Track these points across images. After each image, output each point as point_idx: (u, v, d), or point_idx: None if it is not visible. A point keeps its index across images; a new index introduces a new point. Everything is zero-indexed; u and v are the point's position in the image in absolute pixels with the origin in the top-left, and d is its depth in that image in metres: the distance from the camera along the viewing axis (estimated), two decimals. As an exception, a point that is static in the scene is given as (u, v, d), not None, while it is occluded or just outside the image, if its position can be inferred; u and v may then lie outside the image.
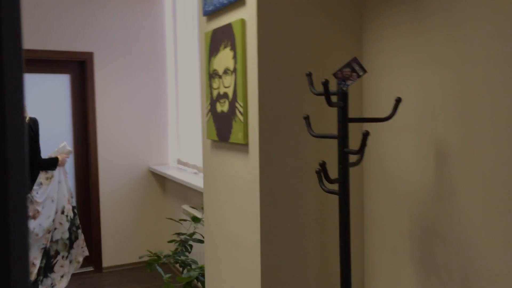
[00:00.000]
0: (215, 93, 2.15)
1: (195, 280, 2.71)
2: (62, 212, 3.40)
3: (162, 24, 4.77)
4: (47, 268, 3.34)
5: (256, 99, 1.83)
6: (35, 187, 3.27)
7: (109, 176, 4.64)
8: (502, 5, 1.40)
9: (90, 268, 4.67)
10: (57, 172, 3.44)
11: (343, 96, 1.57)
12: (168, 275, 2.89)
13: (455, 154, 1.58)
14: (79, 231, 3.57)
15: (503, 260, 1.44)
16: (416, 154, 1.73)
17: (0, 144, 0.52)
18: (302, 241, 1.94)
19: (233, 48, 1.94)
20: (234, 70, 1.95)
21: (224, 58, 2.03)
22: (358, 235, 2.03)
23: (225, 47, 2.02)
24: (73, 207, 3.54)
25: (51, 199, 3.34)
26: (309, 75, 1.70)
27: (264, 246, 1.87)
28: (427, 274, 1.72)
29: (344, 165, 1.61)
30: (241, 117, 1.93)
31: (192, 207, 3.85)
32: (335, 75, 1.54)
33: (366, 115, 1.95)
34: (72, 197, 3.56)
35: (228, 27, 1.96)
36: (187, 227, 3.40)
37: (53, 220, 3.33)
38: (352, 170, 1.95)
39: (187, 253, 3.11)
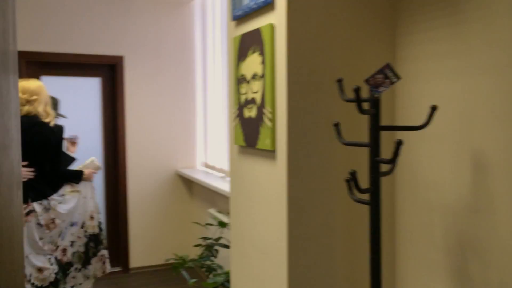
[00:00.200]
0: (242, 98, 2.13)
1: (220, 286, 2.69)
2: (82, 227, 3.26)
3: (192, 29, 4.79)
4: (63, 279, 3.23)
5: (284, 105, 1.80)
6: (57, 197, 3.14)
7: (137, 178, 4.69)
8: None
9: (118, 269, 4.71)
10: (83, 187, 3.29)
11: (375, 103, 1.52)
12: (193, 280, 2.88)
13: (494, 164, 1.50)
14: (101, 247, 3.37)
15: (546, 278, 1.36)
16: (452, 164, 1.66)
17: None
18: (330, 251, 1.89)
19: (262, 53, 1.91)
20: (263, 75, 1.92)
21: (253, 63, 2.01)
22: (389, 246, 1.97)
23: (253, 52, 1.99)
24: (99, 223, 3.37)
25: (71, 213, 3.20)
26: (339, 81, 1.65)
27: (291, 255, 1.83)
28: (461, 289, 1.64)
29: (375, 175, 1.56)
30: (269, 123, 1.90)
31: (219, 212, 3.83)
32: (367, 81, 1.49)
33: (399, 123, 1.89)
34: (98, 213, 3.39)
35: (257, 32, 1.94)
36: (213, 232, 3.39)
37: (64, 235, 3.17)
38: (384, 180, 1.89)
39: (212, 258, 3.09)
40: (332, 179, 1.86)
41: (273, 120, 1.88)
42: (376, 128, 1.53)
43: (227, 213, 3.61)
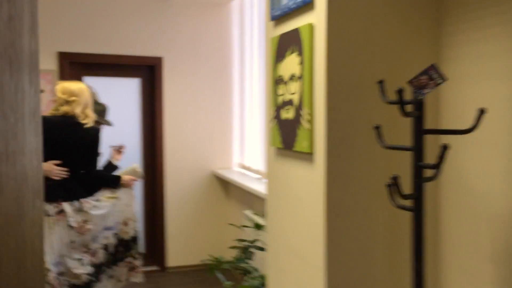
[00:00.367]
0: (280, 99, 2.09)
1: (256, 289, 2.67)
2: (116, 232, 3.23)
3: (229, 29, 4.80)
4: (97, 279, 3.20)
5: (323, 106, 1.75)
6: (91, 201, 3.09)
7: (174, 177, 4.73)
8: None
9: (154, 267, 4.78)
10: (123, 193, 3.23)
11: (419, 105, 1.45)
12: (228, 282, 2.87)
13: (548, 172, 1.41)
14: (128, 254, 3.29)
15: None
16: (503, 171, 1.57)
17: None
18: (370, 258, 1.82)
19: (300, 54, 1.87)
20: (301, 76, 1.88)
21: (290, 64, 1.97)
22: (433, 255, 1.88)
23: (291, 52, 1.95)
24: (135, 232, 3.30)
25: (104, 218, 3.14)
26: (381, 82, 1.59)
27: (328, 261, 1.78)
28: (511, 303, 1.55)
29: (418, 180, 1.49)
30: (306, 125, 1.86)
31: (255, 213, 3.81)
32: (410, 82, 1.42)
33: (443, 126, 1.80)
34: (135, 221, 3.31)
35: (296, 32, 1.90)
36: (249, 234, 3.37)
37: (97, 239, 3.13)
38: (427, 186, 1.81)
39: (248, 260, 3.07)
40: (372, 184, 1.80)
41: (311, 122, 1.83)
42: (420, 131, 1.46)
43: (263, 215, 3.58)
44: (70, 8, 4.33)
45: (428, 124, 1.76)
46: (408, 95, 1.54)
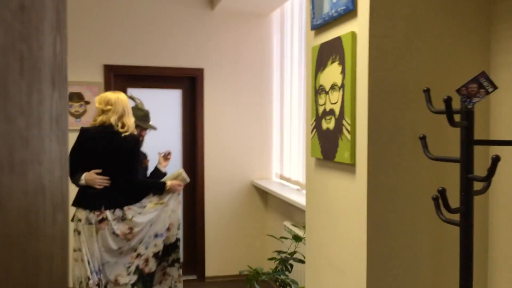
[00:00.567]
0: (321, 109, 2.06)
1: (294, 302, 2.62)
2: (164, 240, 3.23)
3: (270, 40, 4.81)
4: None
5: (365, 116, 1.71)
6: (136, 208, 3.10)
7: (214, 187, 4.76)
8: None
9: (194, 277, 4.80)
10: (170, 200, 3.23)
11: (468, 115, 1.39)
12: (267, 294, 2.83)
13: None
14: (164, 258, 3.27)
15: None
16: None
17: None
18: (415, 274, 1.75)
19: (342, 63, 1.84)
20: (342, 86, 1.85)
21: (332, 73, 1.94)
22: (481, 272, 1.79)
23: (333, 61, 1.92)
24: (176, 239, 3.30)
25: (151, 224, 3.15)
26: (426, 91, 1.54)
27: (370, 276, 1.72)
28: None
29: (467, 193, 1.42)
30: (348, 135, 1.81)
31: (294, 225, 3.77)
32: (459, 91, 1.37)
33: (494, 137, 1.72)
34: (178, 228, 3.30)
35: (337, 41, 1.87)
36: (288, 245, 3.33)
37: (148, 245, 3.14)
38: (476, 199, 1.72)
39: (287, 273, 3.03)
40: (418, 197, 1.73)
41: (352, 132, 1.79)
42: (469, 142, 1.39)
43: (302, 226, 3.53)
44: (115, 22, 4.48)
45: (477, 135, 1.68)
46: (456, 104, 1.48)
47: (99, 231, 2.99)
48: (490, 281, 1.79)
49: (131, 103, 3.37)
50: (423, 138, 1.54)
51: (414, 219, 1.74)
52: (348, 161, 1.82)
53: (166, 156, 3.50)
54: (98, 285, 3.02)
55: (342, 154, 1.86)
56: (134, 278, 3.10)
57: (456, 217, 1.48)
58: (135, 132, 3.14)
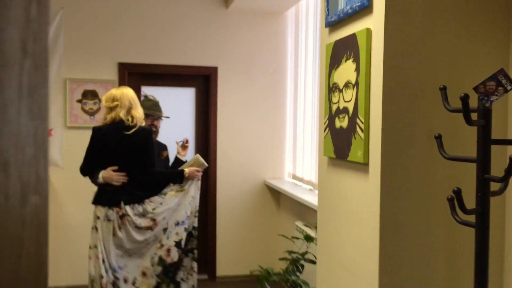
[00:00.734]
0: (334, 107, 2.04)
1: (305, 302, 2.59)
2: (186, 228, 3.21)
3: (284, 39, 4.79)
4: (170, 277, 3.16)
5: (379, 114, 1.68)
6: (157, 198, 3.12)
7: (226, 186, 4.75)
8: None
9: (205, 276, 4.79)
10: (190, 186, 3.22)
11: (486, 113, 1.35)
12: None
13: None
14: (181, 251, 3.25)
15: None
16: None
17: None
18: (428, 277, 1.71)
19: (356, 60, 1.81)
20: (356, 83, 1.82)
21: (346, 71, 1.91)
22: (497, 275, 1.74)
23: (347, 59, 1.89)
24: (193, 227, 3.28)
25: (172, 212, 3.16)
26: (443, 89, 1.50)
27: (382, 278, 1.69)
28: None
29: (484, 194, 1.38)
30: (361, 134, 1.78)
31: (306, 225, 3.74)
32: (476, 89, 1.33)
33: (512, 136, 1.67)
34: (194, 216, 3.28)
35: (352, 38, 1.84)
36: (300, 246, 3.30)
37: (169, 234, 3.15)
38: (492, 200, 1.68)
39: (298, 273, 3.00)
40: (432, 197, 1.69)
41: (366, 130, 1.76)
42: (486, 141, 1.36)
43: (314, 227, 3.50)
44: (130, 21, 4.50)
45: (495, 134, 1.64)
46: (473, 103, 1.44)
47: (122, 226, 3.01)
48: (505, 283, 1.74)
49: (143, 97, 3.39)
50: (438, 137, 1.51)
51: (428, 220, 1.70)
52: (361, 160, 1.79)
53: (184, 144, 3.51)
54: (113, 283, 3.01)
55: (355, 153, 1.83)
56: (158, 269, 3.11)
57: (472, 218, 1.44)
58: (143, 124, 3.14)
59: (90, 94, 4.44)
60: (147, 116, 3.29)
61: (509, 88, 1.32)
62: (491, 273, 1.71)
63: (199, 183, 3.33)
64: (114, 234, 3.00)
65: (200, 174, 3.30)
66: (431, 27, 1.67)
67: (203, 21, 4.63)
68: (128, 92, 3.13)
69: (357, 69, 1.80)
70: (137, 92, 4.50)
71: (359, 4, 1.77)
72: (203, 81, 4.79)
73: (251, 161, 4.79)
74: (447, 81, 1.65)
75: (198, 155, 3.38)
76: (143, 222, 3.05)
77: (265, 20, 4.74)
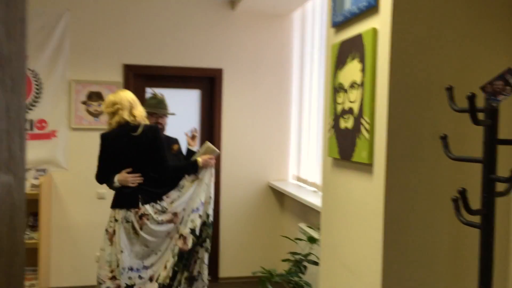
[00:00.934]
0: (339, 108, 2.03)
1: (308, 304, 2.58)
2: (200, 215, 3.22)
3: (290, 40, 4.79)
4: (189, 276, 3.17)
5: (385, 115, 1.67)
6: (174, 192, 3.15)
7: (230, 187, 4.74)
8: None
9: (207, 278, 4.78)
10: (204, 174, 3.25)
11: (493, 113, 1.34)
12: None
13: None
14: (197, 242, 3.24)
15: None
16: None
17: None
18: (431, 279, 1.70)
19: (362, 60, 1.81)
20: (362, 84, 1.81)
21: (351, 71, 1.91)
22: (502, 277, 1.73)
23: (352, 59, 1.89)
24: (207, 215, 3.29)
25: (192, 200, 3.20)
26: (449, 89, 1.50)
27: (386, 280, 1.68)
28: None
29: (489, 194, 1.37)
30: (366, 135, 1.78)
31: (309, 227, 3.73)
32: (483, 88, 1.32)
33: (519, 137, 1.66)
34: (208, 203, 3.28)
35: (358, 38, 1.84)
36: (303, 247, 3.29)
37: (185, 222, 3.17)
38: (498, 201, 1.67)
39: (300, 275, 2.99)
40: (437, 198, 1.69)
41: (371, 131, 1.76)
42: (492, 141, 1.35)
43: (317, 228, 3.49)
44: (135, 22, 4.51)
45: (501, 134, 1.63)
46: (479, 103, 1.43)
47: (143, 226, 3.02)
48: (511, 286, 1.73)
49: (150, 94, 3.41)
50: (444, 138, 1.50)
51: (432, 221, 1.69)
52: (365, 160, 1.78)
53: (193, 134, 3.52)
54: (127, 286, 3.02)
55: (360, 154, 1.83)
56: (176, 259, 3.13)
57: (477, 219, 1.43)
58: (146, 121, 3.14)
59: (95, 96, 4.45)
60: (151, 114, 3.30)
61: (516, 88, 1.31)
62: (496, 274, 1.70)
63: (213, 170, 3.34)
64: (137, 234, 3.02)
65: (213, 161, 3.32)
66: (437, 27, 1.67)
67: (209, 23, 4.64)
68: (125, 93, 3.16)
69: (363, 70, 1.80)
70: (142, 93, 4.53)
71: (366, 3, 1.77)
72: (208, 83, 4.79)
73: (255, 163, 4.79)
74: (454, 81, 1.65)
75: (207, 143, 3.40)
76: (164, 217, 3.08)
77: (271, 22, 4.74)
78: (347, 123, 1.95)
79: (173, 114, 3.53)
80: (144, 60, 4.55)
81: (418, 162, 1.68)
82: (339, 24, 2.05)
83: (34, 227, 4.03)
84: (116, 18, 4.46)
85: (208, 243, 3.30)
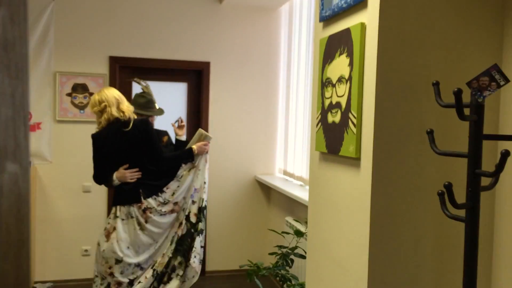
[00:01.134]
0: (327, 102, 2.04)
1: (294, 297, 2.60)
2: (194, 201, 3.23)
3: (278, 34, 4.79)
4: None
5: (372, 109, 1.68)
6: (173, 183, 3.16)
7: (216, 181, 4.74)
8: None
9: (194, 271, 4.78)
10: (199, 160, 3.27)
11: (478, 108, 1.36)
12: (267, 289, 2.82)
13: None
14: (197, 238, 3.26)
15: None
16: None
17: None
18: (417, 271, 1.72)
19: (350, 55, 1.81)
20: (349, 78, 1.82)
21: (339, 66, 1.91)
22: (485, 270, 1.76)
23: (340, 53, 1.90)
24: (201, 200, 3.29)
25: (188, 187, 3.22)
26: (436, 84, 1.51)
27: (372, 272, 1.69)
28: None
29: (474, 189, 1.39)
30: (354, 129, 1.79)
31: (296, 220, 3.75)
32: (469, 84, 1.34)
33: (504, 132, 1.69)
34: (203, 190, 3.30)
35: (346, 32, 1.84)
36: (290, 240, 3.31)
37: (184, 209, 3.22)
38: (483, 195, 1.69)
39: (287, 268, 3.01)
40: (423, 192, 1.71)
41: (358, 125, 1.77)
42: (478, 136, 1.37)
43: (304, 222, 3.51)
44: (121, 14, 4.46)
45: (486, 129, 1.65)
46: (465, 98, 1.45)
47: (148, 219, 3.04)
48: (494, 279, 1.76)
49: (138, 88, 3.37)
50: (430, 133, 1.51)
51: (418, 215, 1.71)
52: (353, 155, 1.79)
53: (180, 124, 3.52)
54: (130, 283, 3.02)
55: (347, 148, 1.84)
56: (173, 247, 3.17)
57: (462, 213, 1.45)
58: (135, 116, 3.13)
59: (80, 88, 4.40)
60: (140, 116, 3.27)
61: (502, 83, 1.33)
62: (480, 267, 1.73)
63: (207, 156, 3.36)
64: (142, 228, 3.03)
65: (208, 147, 3.34)
66: (425, 23, 1.68)
67: (196, 16, 4.61)
68: (110, 90, 3.14)
69: (351, 64, 1.81)
70: (129, 86, 4.49)
71: (354, -2, 1.77)
72: (195, 76, 4.77)
73: (242, 157, 4.79)
74: (440, 76, 1.66)
75: (200, 129, 3.42)
76: (166, 208, 3.12)
77: (259, 16, 4.73)
78: (334, 117, 1.96)
79: (162, 113, 3.49)
80: (130, 52, 4.50)
81: (405, 157, 1.69)
82: (327, 18, 2.05)
83: (18, 220, 3.98)
84: (102, 9, 4.40)
85: (201, 230, 3.30)
